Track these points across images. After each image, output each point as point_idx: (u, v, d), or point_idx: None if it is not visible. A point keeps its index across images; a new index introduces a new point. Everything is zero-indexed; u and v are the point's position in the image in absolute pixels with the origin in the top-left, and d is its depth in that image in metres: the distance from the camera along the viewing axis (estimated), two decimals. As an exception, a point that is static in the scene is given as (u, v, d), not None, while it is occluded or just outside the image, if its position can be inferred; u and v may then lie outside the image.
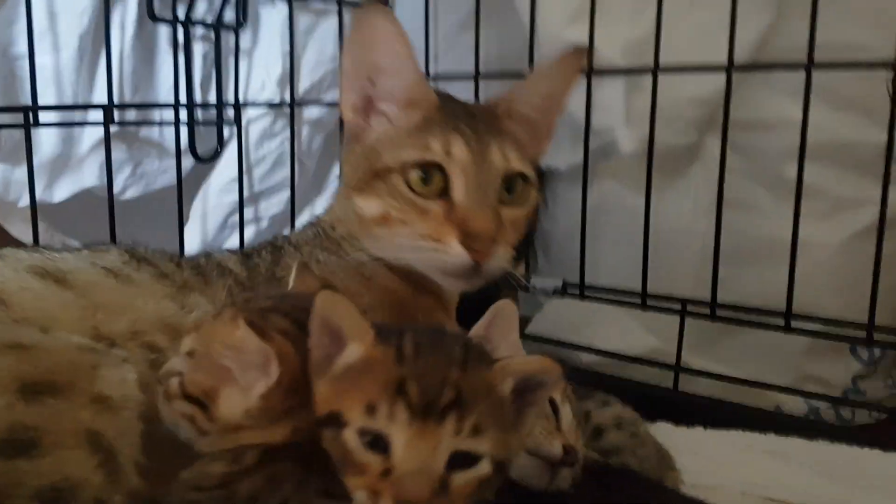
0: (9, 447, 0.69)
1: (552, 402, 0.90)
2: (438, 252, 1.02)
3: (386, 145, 1.09)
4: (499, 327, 0.89)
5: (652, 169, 1.42)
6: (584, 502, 0.82)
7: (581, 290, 1.58)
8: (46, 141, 1.43)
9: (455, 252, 1.00)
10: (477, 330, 0.90)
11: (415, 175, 1.04)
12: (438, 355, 0.69)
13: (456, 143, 1.04)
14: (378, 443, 0.65)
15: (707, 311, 1.41)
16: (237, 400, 0.71)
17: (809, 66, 1.24)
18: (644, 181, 1.43)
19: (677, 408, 1.34)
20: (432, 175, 1.04)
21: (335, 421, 0.68)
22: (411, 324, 0.81)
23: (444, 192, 1.04)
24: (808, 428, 1.28)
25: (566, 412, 0.91)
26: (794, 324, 1.32)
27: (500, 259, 1.03)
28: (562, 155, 1.68)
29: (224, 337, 0.72)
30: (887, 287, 1.30)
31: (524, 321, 1.89)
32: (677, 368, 1.45)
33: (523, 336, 1.70)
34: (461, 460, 0.65)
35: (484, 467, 0.66)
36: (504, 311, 0.89)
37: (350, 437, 0.66)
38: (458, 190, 1.03)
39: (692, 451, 1.19)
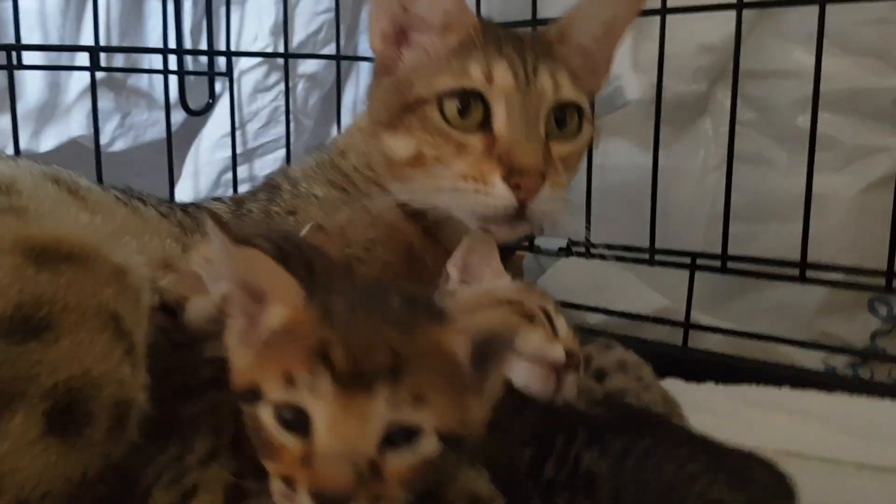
0: (18, 326, 0.55)
1: (546, 313, 0.84)
2: (479, 193, 0.90)
3: (420, 74, 0.97)
4: (478, 253, 0.83)
5: (660, 117, 1.36)
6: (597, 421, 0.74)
7: (587, 248, 1.52)
8: (32, 88, 1.39)
9: (498, 192, 0.88)
10: (455, 261, 0.84)
11: (451, 106, 0.93)
12: (374, 314, 0.58)
13: (498, 69, 0.93)
14: (297, 421, 0.55)
15: (718, 263, 1.35)
16: (202, 306, 0.66)
17: (823, 1, 1.19)
18: (652, 136, 1.37)
19: (687, 365, 1.28)
20: (471, 105, 0.93)
21: (251, 395, 0.57)
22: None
23: (486, 124, 0.92)
24: (824, 382, 1.22)
25: (561, 322, 0.84)
26: (809, 274, 1.26)
27: (549, 201, 0.90)
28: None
29: (202, 250, 0.68)
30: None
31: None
32: (687, 325, 1.39)
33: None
34: (399, 437, 0.55)
35: (427, 445, 0.55)
36: (480, 239, 0.83)
37: (265, 413, 0.56)
38: (500, 121, 0.92)
39: (702, 406, 1.13)
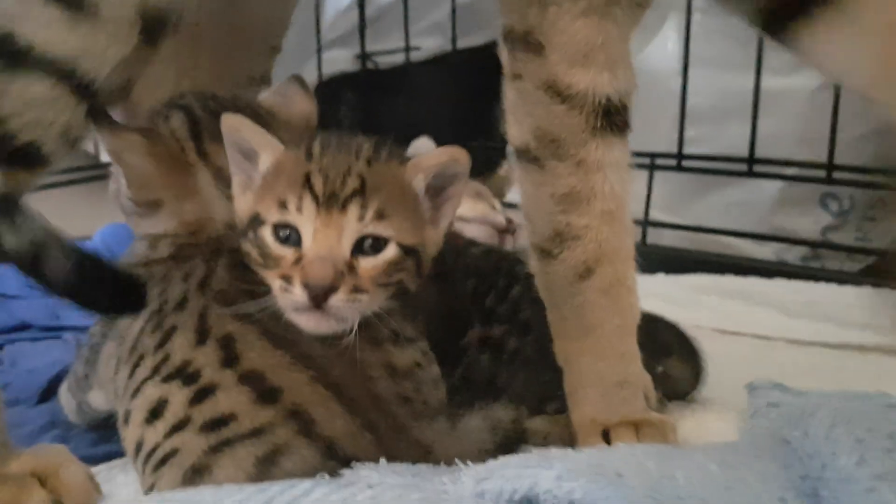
0: None
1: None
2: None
3: None
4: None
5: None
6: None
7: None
8: None
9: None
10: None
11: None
12: (345, 150, 0.73)
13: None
14: (290, 237, 0.71)
15: (674, 163, 1.42)
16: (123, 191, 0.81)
17: None
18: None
19: (643, 259, 1.37)
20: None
21: (255, 222, 0.73)
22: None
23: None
24: (767, 270, 1.30)
25: (496, 202, 1.01)
26: (757, 169, 1.34)
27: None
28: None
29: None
30: (856, 137, 1.31)
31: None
32: (645, 222, 1.47)
33: (506, 204, 1.74)
34: (369, 246, 0.71)
35: (390, 251, 0.71)
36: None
37: (267, 233, 0.72)
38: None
39: (650, 293, 1.22)
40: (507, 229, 1.05)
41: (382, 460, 0.62)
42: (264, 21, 1.15)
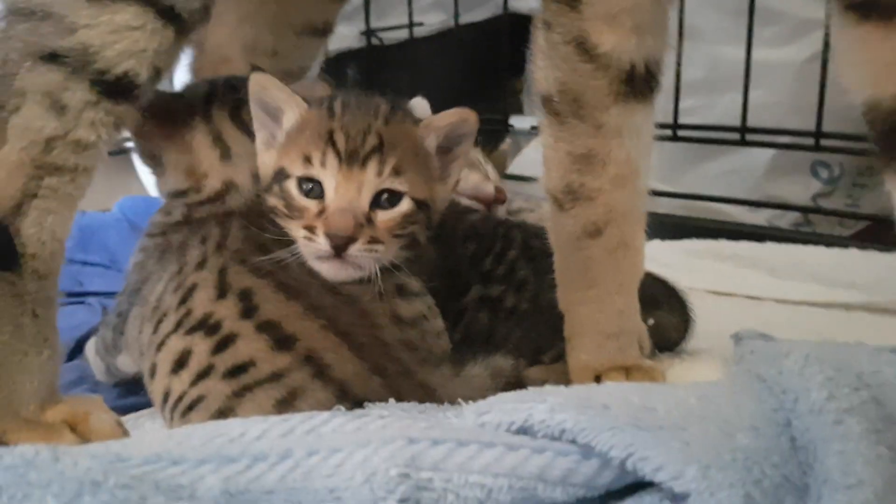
0: None
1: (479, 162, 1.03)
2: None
3: None
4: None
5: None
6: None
7: (555, 123, 1.64)
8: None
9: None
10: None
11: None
12: (365, 110, 0.80)
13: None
14: (314, 190, 0.78)
15: (670, 133, 1.47)
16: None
17: None
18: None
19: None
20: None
21: (280, 175, 0.80)
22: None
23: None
24: (759, 234, 1.35)
25: (490, 168, 1.03)
26: (749, 138, 1.38)
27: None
28: (538, -6, 1.71)
29: None
30: (845, 105, 1.35)
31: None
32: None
33: (506, 176, 1.78)
34: (386, 200, 0.78)
35: (405, 204, 0.79)
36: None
37: (292, 186, 0.79)
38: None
39: (646, 258, 1.27)
40: (498, 199, 1.09)
41: (391, 400, 0.68)
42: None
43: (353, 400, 0.69)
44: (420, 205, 0.80)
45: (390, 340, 0.75)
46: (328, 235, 0.75)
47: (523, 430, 0.60)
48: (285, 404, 0.69)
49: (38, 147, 0.73)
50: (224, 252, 0.79)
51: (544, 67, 0.77)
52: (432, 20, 1.94)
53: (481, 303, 0.89)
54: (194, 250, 0.81)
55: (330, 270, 0.76)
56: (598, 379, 0.79)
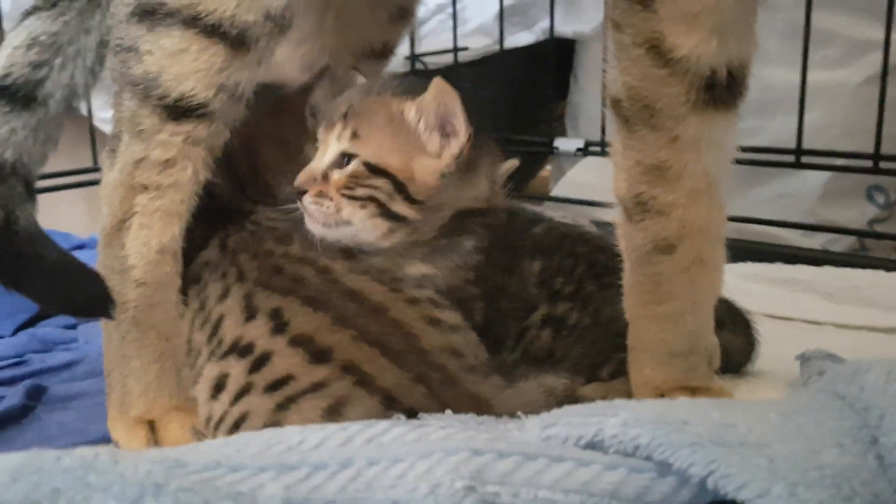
0: None
1: None
2: None
3: None
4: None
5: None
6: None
7: (602, 146, 1.62)
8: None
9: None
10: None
11: None
12: (368, 88, 0.87)
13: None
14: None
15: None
16: None
17: None
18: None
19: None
20: None
21: None
22: None
23: None
24: (815, 258, 1.32)
25: None
26: (804, 160, 1.35)
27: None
28: (587, 16, 1.71)
29: None
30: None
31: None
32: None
33: (550, 198, 1.76)
34: (344, 161, 0.82)
35: (352, 165, 0.82)
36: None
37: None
38: None
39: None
40: None
41: (448, 411, 0.65)
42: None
43: (400, 409, 0.66)
44: (376, 170, 0.81)
45: (429, 347, 0.73)
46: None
47: (592, 446, 0.57)
48: (333, 413, 0.67)
49: (129, 168, 0.80)
50: (246, 282, 0.79)
51: (613, 70, 0.71)
52: (476, 45, 1.94)
53: (545, 322, 0.85)
54: (215, 284, 0.81)
55: (307, 224, 0.82)
56: (660, 397, 0.75)
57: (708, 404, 0.60)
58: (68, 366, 1.07)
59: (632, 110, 0.70)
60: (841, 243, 1.49)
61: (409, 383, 0.69)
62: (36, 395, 0.96)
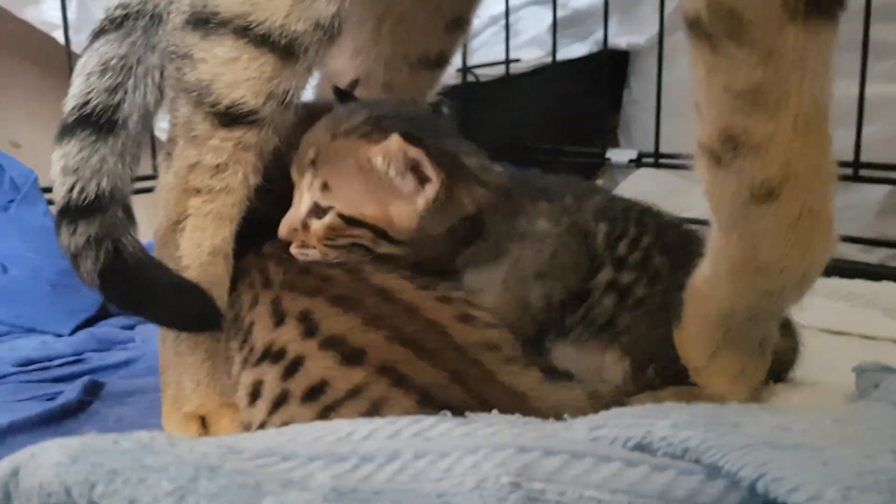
0: None
1: None
2: None
3: None
4: None
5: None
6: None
7: (656, 158, 1.61)
8: None
9: None
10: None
11: None
12: (326, 123, 0.83)
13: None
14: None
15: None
16: None
17: None
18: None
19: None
20: None
21: None
22: None
23: None
24: (873, 273, 1.29)
25: None
26: (863, 174, 1.32)
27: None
28: (641, 28, 1.70)
29: None
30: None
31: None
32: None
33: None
34: (320, 211, 0.81)
35: (329, 218, 0.81)
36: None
37: None
38: None
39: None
40: None
41: (495, 411, 0.65)
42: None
43: (437, 407, 0.66)
44: (352, 221, 0.80)
45: (464, 343, 0.72)
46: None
47: (640, 447, 0.57)
48: (371, 416, 0.65)
49: (184, 172, 0.82)
50: (272, 287, 0.81)
51: None
52: (529, 56, 1.94)
53: (609, 287, 0.82)
54: (245, 295, 0.83)
55: None
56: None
57: (760, 408, 0.60)
58: (126, 364, 1.10)
59: (714, 23, 0.60)
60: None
61: (446, 381, 0.69)
62: (94, 391, 0.98)
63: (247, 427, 0.75)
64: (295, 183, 0.83)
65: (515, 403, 0.68)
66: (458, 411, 0.64)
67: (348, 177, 0.80)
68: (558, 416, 0.66)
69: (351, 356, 0.70)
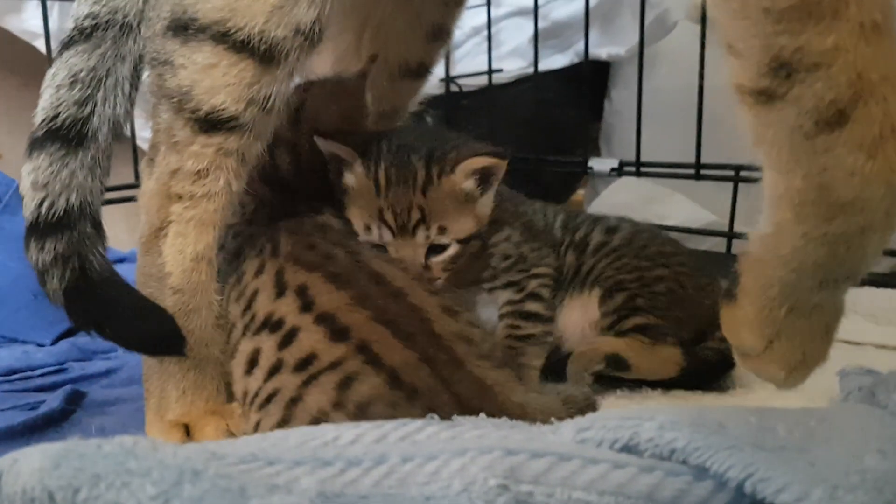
0: None
1: None
2: None
3: None
4: None
5: (705, 37, 1.43)
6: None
7: (637, 167, 1.62)
8: None
9: None
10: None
11: None
12: (404, 183, 0.93)
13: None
14: (379, 246, 0.94)
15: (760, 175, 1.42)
16: None
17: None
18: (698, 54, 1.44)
19: (730, 269, 1.38)
20: None
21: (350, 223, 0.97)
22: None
23: None
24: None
25: None
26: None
27: None
28: (621, 38, 1.71)
29: None
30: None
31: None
32: (730, 234, 1.48)
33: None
34: (437, 250, 0.95)
35: (451, 250, 0.96)
36: None
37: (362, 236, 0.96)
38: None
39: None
40: None
41: (482, 415, 0.65)
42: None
43: (404, 387, 0.69)
44: (465, 241, 0.96)
45: (442, 332, 0.75)
46: None
47: (627, 449, 0.57)
48: (343, 386, 0.70)
49: (165, 178, 0.83)
50: (279, 257, 0.84)
51: None
52: (511, 67, 1.95)
53: (567, 247, 1.10)
54: (252, 261, 0.85)
55: None
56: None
57: (746, 409, 0.60)
58: (107, 373, 1.09)
59: None
60: (883, 264, 1.46)
61: (416, 362, 0.72)
62: (75, 400, 0.98)
63: (242, 396, 0.78)
64: (393, 240, 0.94)
65: (481, 394, 0.71)
66: (423, 394, 0.69)
67: (452, 210, 0.94)
68: (526, 416, 0.68)
69: (338, 332, 0.74)
